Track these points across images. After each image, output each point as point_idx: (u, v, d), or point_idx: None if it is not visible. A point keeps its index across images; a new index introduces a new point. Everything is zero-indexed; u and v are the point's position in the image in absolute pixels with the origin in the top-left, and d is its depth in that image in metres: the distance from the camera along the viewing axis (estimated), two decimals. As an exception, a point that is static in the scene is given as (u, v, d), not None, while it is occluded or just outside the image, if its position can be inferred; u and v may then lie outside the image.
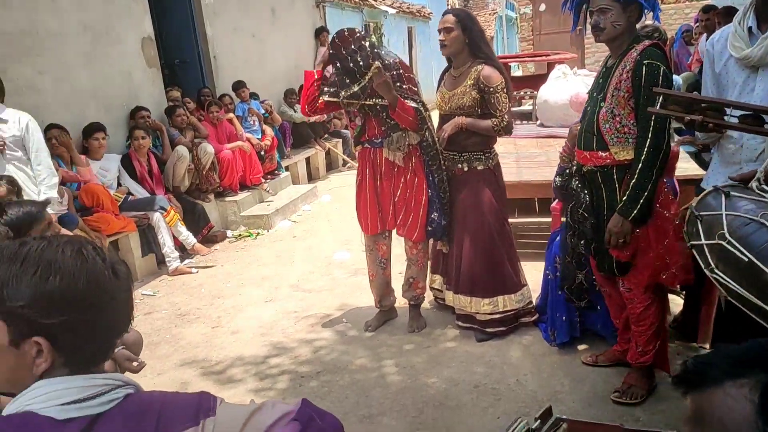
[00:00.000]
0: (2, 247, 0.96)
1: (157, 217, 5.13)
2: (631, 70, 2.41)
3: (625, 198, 2.46)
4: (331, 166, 9.24)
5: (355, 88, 3.23)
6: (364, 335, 3.70)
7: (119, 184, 5.29)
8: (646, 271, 2.57)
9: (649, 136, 2.37)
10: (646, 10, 2.46)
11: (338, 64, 3.27)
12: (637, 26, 2.56)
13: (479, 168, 3.39)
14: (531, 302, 3.55)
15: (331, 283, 4.64)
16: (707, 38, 6.92)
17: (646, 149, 2.38)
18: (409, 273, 3.68)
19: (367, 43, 3.26)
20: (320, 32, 10.13)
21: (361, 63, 3.21)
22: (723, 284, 1.82)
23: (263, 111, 7.55)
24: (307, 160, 8.54)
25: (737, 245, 1.77)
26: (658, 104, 2.16)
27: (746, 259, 1.72)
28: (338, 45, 3.25)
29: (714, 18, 6.19)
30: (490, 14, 22.22)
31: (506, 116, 3.29)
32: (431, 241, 3.66)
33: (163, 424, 0.97)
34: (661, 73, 2.34)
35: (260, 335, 3.84)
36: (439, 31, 3.30)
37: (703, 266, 1.88)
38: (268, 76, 8.47)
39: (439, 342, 3.50)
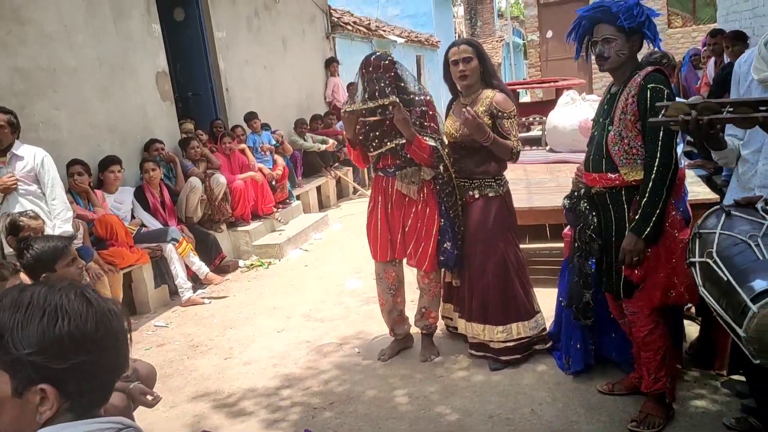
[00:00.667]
0: (1, 295, 0.95)
1: (169, 248, 5.16)
2: (636, 95, 2.47)
3: (637, 217, 2.48)
4: (341, 194, 9.29)
5: (371, 105, 3.23)
6: (376, 364, 3.67)
7: (133, 217, 5.35)
8: (657, 290, 2.56)
9: (658, 155, 2.41)
10: (647, 40, 2.52)
11: (365, 85, 3.31)
12: (646, 53, 2.60)
13: (490, 195, 3.39)
14: (545, 329, 3.53)
15: (343, 311, 4.63)
16: (716, 62, 6.97)
17: (655, 168, 2.41)
18: (422, 303, 3.66)
19: (393, 74, 3.28)
20: (330, 62, 10.29)
21: (384, 87, 3.23)
22: (708, 303, 1.82)
23: (274, 141, 7.63)
24: (318, 188, 8.60)
25: (720, 264, 1.77)
26: (660, 116, 2.17)
27: (725, 279, 1.71)
28: (365, 66, 3.30)
29: (722, 42, 6.22)
30: (497, 41, 22.45)
31: (517, 142, 3.34)
32: (443, 271, 3.65)
33: None
34: (665, 96, 2.40)
35: (272, 366, 3.83)
36: (456, 62, 3.29)
37: (696, 284, 1.89)
38: (279, 106, 8.59)
39: (452, 371, 3.47)
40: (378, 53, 3.38)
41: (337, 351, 3.94)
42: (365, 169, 9.64)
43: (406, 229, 3.47)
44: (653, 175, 2.42)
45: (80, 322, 0.94)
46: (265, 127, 7.75)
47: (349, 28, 11.29)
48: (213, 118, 7.21)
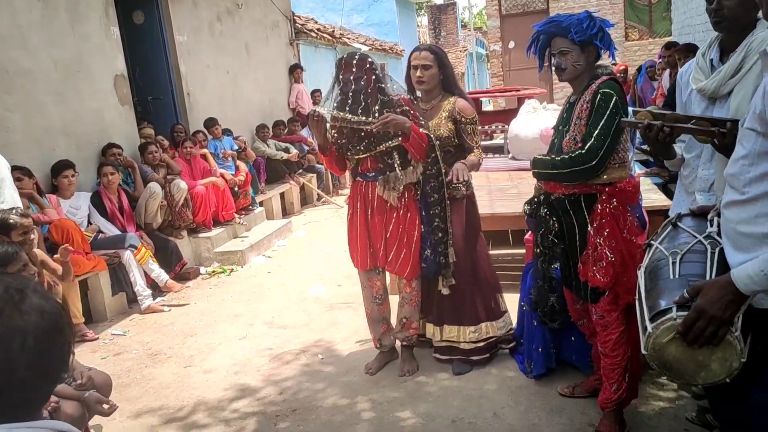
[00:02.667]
0: None
1: (127, 255, 5.04)
2: (590, 100, 2.57)
3: (547, 157, 2.68)
4: (305, 201, 9.24)
5: (348, 117, 3.17)
6: (339, 371, 3.65)
7: (89, 222, 5.21)
8: (627, 294, 2.60)
9: (587, 144, 2.51)
10: (602, 51, 2.61)
11: (340, 88, 3.24)
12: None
13: (457, 197, 3.39)
14: (512, 329, 3.56)
15: (306, 318, 4.59)
16: (670, 73, 7.18)
17: (587, 147, 2.51)
18: (403, 313, 3.54)
19: (373, 77, 3.20)
20: (294, 69, 10.26)
21: (361, 95, 3.16)
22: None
23: (236, 147, 7.55)
24: (282, 195, 8.53)
25: (641, 278, 1.80)
26: (633, 117, 2.23)
27: (642, 292, 1.75)
28: (342, 68, 3.22)
29: (675, 54, 6.41)
30: (461, 51, 22.72)
31: (479, 149, 3.40)
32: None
33: None
34: (613, 101, 2.49)
35: (233, 374, 3.77)
36: (416, 67, 3.30)
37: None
38: (241, 112, 8.51)
39: (416, 376, 3.47)
40: (356, 53, 3.29)
41: (299, 358, 3.89)
42: (329, 176, 9.63)
43: (387, 236, 3.39)
44: (579, 151, 2.52)
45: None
46: (227, 132, 7.66)
47: (313, 35, 11.28)
48: (173, 123, 7.10)
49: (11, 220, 3.41)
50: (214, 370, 3.86)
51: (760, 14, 2.17)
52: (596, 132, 2.53)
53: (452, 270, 3.37)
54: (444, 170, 3.32)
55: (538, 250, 2.93)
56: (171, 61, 7.18)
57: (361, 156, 3.31)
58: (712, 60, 2.27)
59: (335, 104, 3.25)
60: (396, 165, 3.27)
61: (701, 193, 2.31)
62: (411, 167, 3.30)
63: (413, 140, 3.16)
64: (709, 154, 2.25)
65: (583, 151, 2.54)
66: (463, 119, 3.31)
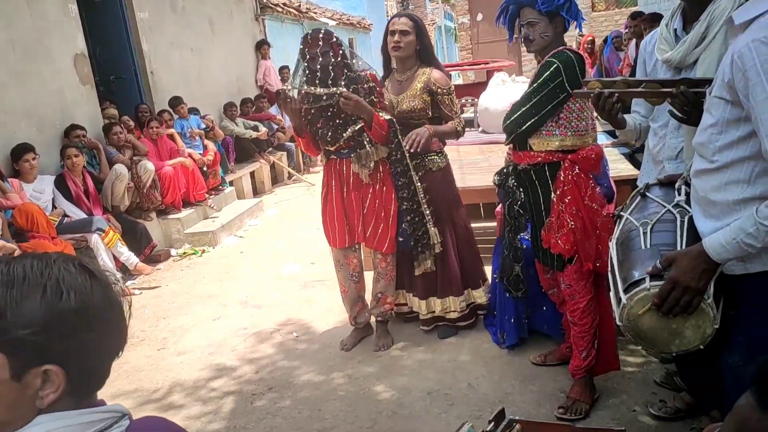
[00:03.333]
0: None
1: (95, 238, 4.95)
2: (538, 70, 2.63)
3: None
4: (276, 179, 9.15)
5: (318, 91, 3.14)
6: (314, 348, 3.66)
7: (54, 207, 5.10)
8: (588, 261, 2.65)
9: (519, 110, 2.62)
10: (569, 22, 2.62)
11: (306, 63, 3.18)
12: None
13: (433, 169, 3.40)
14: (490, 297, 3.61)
15: (280, 297, 4.58)
16: (636, 44, 7.23)
17: (512, 117, 2.65)
18: (378, 287, 3.55)
19: (340, 51, 3.18)
20: (261, 45, 10.08)
21: (330, 68, 3.13)
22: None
23: (204, 126, 7.42)
24: (252, 174, 8.44)
25: (613, 249, 1.82)
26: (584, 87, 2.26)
27: (615, 263, 1.76)
28: (308, 43, 3.16)
29: (641, 24, 6.46)
30: (429, 24, 22.55)
31: (460, 118, 3.37)
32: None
33: None
34: (551, 69, 2.54)
35: (208, 355, 3.75)
36: (393, 32, 3.25)
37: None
38: (208, 90, 8.35)
39: (391, 350, 3.50)
40: (321, 29, 3.25)
41: (274, 337, 3.89)
42: (300, 154, 9.54)
43: (365, 211, 3.39)
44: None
45: (86, 296, 0.86)
46: (194, 111, 7.52)
47: (279, 9, 11.07)
48: (138, 103, 6.93)
49: None
50: (188, 352, 3.84)
51: None
52: (522, 95, 2.66)
53: (432, 252, 3.40)
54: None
55: (505, 220, 2.97)
56: (133, 39, 6.99)
57: (328, 147, 3.31)
58: (675, 30, 2.28)
59: (304, 79, 3.21)
60: (366, 142, 3.27)
61: (669, 161, 2.34)
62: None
63: (374, 129, 3.18)
64: (677, 123, 2.28)
65: (508, 112, 2.70)
66: (439, 90, 3.27)
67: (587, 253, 2.64)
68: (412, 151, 3.23)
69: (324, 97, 3.16)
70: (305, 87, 3.18)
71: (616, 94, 2.07)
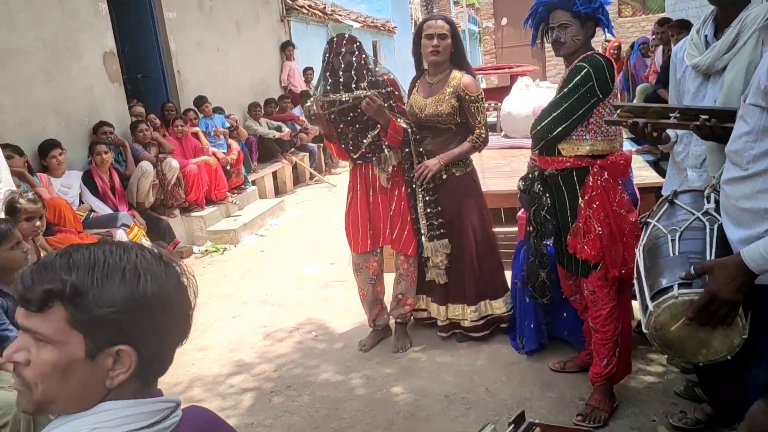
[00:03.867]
0: (68, 254, 0.89)
1: (120, 234, 5.03)
2: (567, 75, 2.62)
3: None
4: (298, 179, 9.21)
5: (343, 97, 3.15)
6: (333, 348, 3.68)
7: (81, 202, 5.19)
8: (614, 267, 2.63)
9: (550, 115, 2.61)
10: (601, 26, 2.60)
11: (330, 64, 3.20)
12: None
13: (457, 174, 3.37)
14: (512, 307, 3.51)
15: (300, 296, 4.61)
16: (663, 50, 7.16)
17: (543, 122, 2.64)
18: (399, 289, 3.55)
19: (363, 55, 3.20)
20: (286, 46, 10.16)
21: (353, 68, 3.15)
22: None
23: (228, 125, 7.50)
24: (274, 174, 8.50)
25: (640, 256, 1.79)
26: (615, 115, 2.24)
27: (642, 270, 1.74)
28: (334, 45, 3.20)
29: (668, 30, 6.38)
30: (453, 28, 22.52)
31: (484, 128, 3.31)
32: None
33: None
34: (582, 74, 2.52)
35: (228, 351, 3.79)
36: (431, 36, 3.20)
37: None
38: (233, 90, 8.44)
39: (409, 352, 3.51)
40: (345, 33, 3.28)
41: (293, 336, 3.92)
42: (322, 155, 9.59)
43: (391, 214, 3.41)
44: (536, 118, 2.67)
45: (162, 282, 0.91)
46: (218, 110, 7.60)
47: (305, 11, 11.14)
48: (164, 101, 7.03)
49: (17, 204, 3.36)
50: (209, 348, 3.88)
51: None
52: (552, 100, 2.64)
53: (432, 264, 3.39)
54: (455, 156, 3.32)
55: (531, 227, 2.95)
56: (161, 38, 7.09)
57: (355, 156, 3.34)
58: (706, 36, 2.26)
59: (328, 88, 3.22)
60: (384, 146, 3.29)
61: (693, 169, 2.33)
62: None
63: (390, 135, 3.20)
64: None
65: (537, 118, 2.67)
66: (467, 96, 3.22)
67: (613, 260, 2.62)
68: (419, 183, 3.27)
69: (348, 101, 3.17)
70: (330, 96, 3.19)
71: (650, 125, 2.07)
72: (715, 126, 1.86)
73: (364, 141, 3.28)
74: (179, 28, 7.31)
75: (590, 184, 2.62)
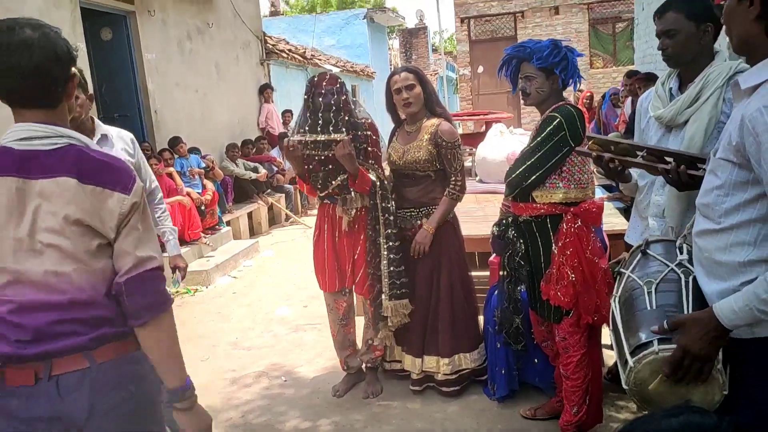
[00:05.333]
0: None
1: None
2: (540, 124, 2.68)
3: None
4: (273, 221, 9.18)
5: (320, 138, 3.12)
6: (302, 393, 3.61)
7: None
8: (587, 314, 2.64)
9: (524, 164, 2.65)
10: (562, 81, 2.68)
11: (312, 103, 3.17)
12: None
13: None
14: (486, 359, 3.43)
15: (271, 340, 4.54)
16: (632, 101, 7.37)
17: (517, 171, 2.68)
18: (369, 334, 3.48)
19: (344, 96, 3.17)
20: (264, 89, 10.27)
21: (333, 107, 3.12)
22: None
23: (204, 165, 7.49)
24: (250, 215, 8.47)
25: (616, 307, 1.78)
26: (586, 147, 2.28)
27: (618, 323, 1.72)
28: (315, 83, 3.17)
29: (635, 83, 6.59)
30: (431, 74, 23.01)
31: (460, 175, 3.28)
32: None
33: (95, 177, 1.46)
34: (554, 124, 2.59)
35: (195, 396, 3.69)
36: (399, 90, 3.21)
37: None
38: (210, 131, 8.47)
39: (380, 398, 3.45)
40: (328, 72, 3.29)
41: (262, 381, 3.84)
42: (298, 196, 9.60)
43: (355, 257, 3.36)
44: (510, 166, 2.73)
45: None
46: (195, 150, 7.60)
47: (284, 55, 11.32)
48: (140, 141, 7.00)
49: None
50: (174, 393, 3.77)
51: (718, 47, 2.27)
52: (526, 149, 2.69)
53: (385, 324, 3.34)
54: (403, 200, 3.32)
55: (505, 272, 2.96)
56: (138, 79, 7.13)
57: (321, 194, 3.33)
58: (671, 89, 2.34)
59: (306, 128, 3.20)
60: (352, 189, 3.26)
61: (654, 218, 2.37)
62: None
63: (358, 183, 3.19)
64: (662, 181, 2.32)
65: (512, 166, 2.72)
66: (444, 143, 3.19)
67: (586, 307, 2.63)
68: (417, 255, 3.26)
69: (323, 144, 3.15)
70: (308, 136, 3.17)
71: (615, 160, 2.11)
72: (683, 173, 1.90)
73: (333, 182, 3.26)
74: (158, 68, 7.36)
75: (564, 230, 2.66)
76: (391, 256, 3.26)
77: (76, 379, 1.45)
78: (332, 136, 3.12)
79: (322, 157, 3.22)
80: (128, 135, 2.93)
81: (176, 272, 3.08)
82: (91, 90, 6.10)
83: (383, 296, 3.29)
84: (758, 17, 1.44)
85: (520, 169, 2.67)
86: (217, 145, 8.45)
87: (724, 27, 1.57)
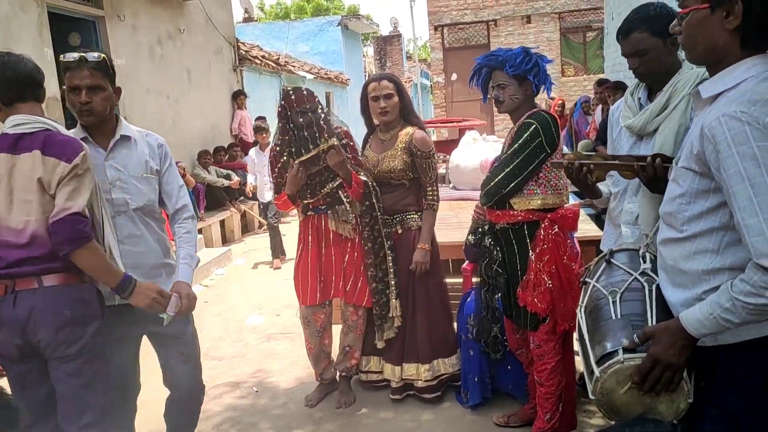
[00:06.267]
0: None
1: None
2: (516, 131, 2.69)
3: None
4: (246, 228, 9.09)
5: (310, 155, 3.09)
6: (274, 404, 3.56)
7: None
8: (564, 320, 2.65)
9: (502, 171, 2.65)
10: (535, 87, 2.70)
11: (289, 120, 3.13)
12: None
13: (413, 228, 3.32)
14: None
15: (243, 349, 4.47)
16: (602, 109, 7.49)
17: (495, 179, 2.68)
18: (347, 341, 3.43)
19: (320, 113, 3.13)
20: (237, 95, 10.19)
21: (314, 125, 3.09)
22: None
23: (176, 173, 7.38)
24: (222, 222, 8.37)
25: (582, 317, 1.78)
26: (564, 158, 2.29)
27: (584, 333, 1.72)
28: (292, 100, 3.13)
29: (605, 91, 6.69)
30: (406, 82, 23.10)
31: (435, 184, 3.29)
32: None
33: (52, 151, 2.05)
34: (530, 130, 2.61)
35: (163, 408, 3.61)
36: (377, 98, 3.20)
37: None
38: (182, 138, 8.36)
39: (353, 408, 3.42)
40: (302, 87, 3.23)
41: (233, 391, 3.78)
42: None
43: (344, 265, 3.32)
44: (488, 175, 2.73)
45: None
46: (166, 158, 7.49)
47: (258, 61, 11.25)
48: (109, 148, 6.88)
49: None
50: (142, 405, 3.67)
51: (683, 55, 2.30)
52: (504, 157, 2.69)
53: (392, 325, 3.33)
54: (387, 207, 3.29)
55: (482, 279, 2.95)
56: (108, 84, 7.00)
57: (307, 200, 3.28)
58: (640, 98, 2.37)
59: (292, 149, 3.16)
60: (343, 198, 3.23)
61: (627, 225, 2.39)
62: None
63: (354, 188, 3.17)
64: (635, 188, 2.34)
65: (489, 174, 2.70)
66: (419, 152, 3.19)
67: (563, 313, 2.64)
68: (420, 273, 3.25)
69: (311, 159, 3.12)
70: (303, 155, 3.12)
71: (586, 166, 2.10)
72: (658, 165, 1.91)
73: (323, 190, 3.22)
74: (128, 74, 7.24)
75: (541, 237, 2.66)
76: (393, 254, 3.29)
77: (27, 294, 2.06)
78: (320, 147, 3.09)
79: (313, 171, 3.19)
80: (157, 141, 2.57)
81: (174, 296, 2.36)
82: (58, 95, 6.00)
83: (391, 295, 3.28)
84: (736, 28, 1.45)
85: (498, 178, 2.67)
86: (188, 152, 8.35)
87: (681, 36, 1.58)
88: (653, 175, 1.93)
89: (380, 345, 3.38)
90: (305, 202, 3.30)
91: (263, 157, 6.76)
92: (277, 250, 7.03)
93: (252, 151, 7.41)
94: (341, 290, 3.36)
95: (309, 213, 3.34)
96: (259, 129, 7.46)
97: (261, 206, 7.70)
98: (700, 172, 1.48)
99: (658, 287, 1.66)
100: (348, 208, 3.24)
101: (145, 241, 2.48)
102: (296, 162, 3.13)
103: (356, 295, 3.35)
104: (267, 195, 6.78)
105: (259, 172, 7.14)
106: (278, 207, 3.50)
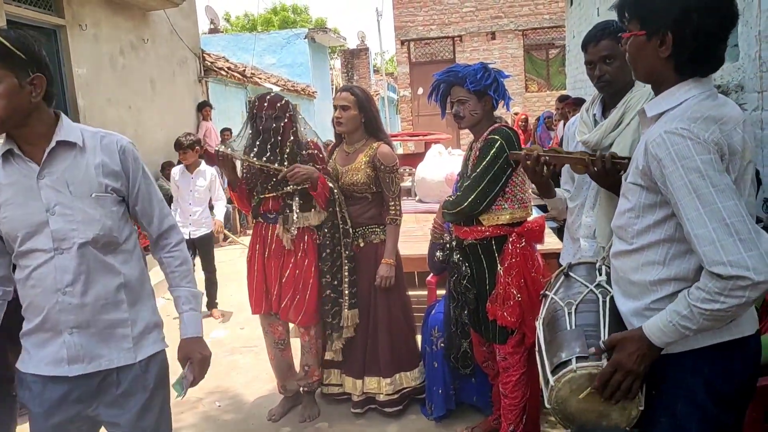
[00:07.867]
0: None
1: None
2: (480, 147, 2.72)
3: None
4: (211, 241, 8.96)
5: (257, 162, 3.10)
6: (238, 418, 3.51)
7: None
8: (532, 333, 2.67)
9: (474, 191, 2.65)
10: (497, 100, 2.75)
11: (254, 123, 3.14)
12: None
13: (375, 242, 3.32)
14: (425, 378, 3.42)
15: (205, 364, 4.39)
16: (564, 124, 7.65)
17: (458, 193, 2.71)
18: (305, 360, 3.41)
19: (284, 121, 3.14)
20: (203, 106, 10.09)
21: (275, 132, 3.10)
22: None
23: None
24: (186, 234, 8.24)
25: (540, 329, 1.82)
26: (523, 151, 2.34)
27: (542, 344, 1.75)
28: (259, 105, 3.13)
29: (566, 107, 6.85)
30: (373, 95, 23.17)
31: (398, 199, 3.31)
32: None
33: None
34: (496, 146, 2.64)
35: None
36: (335, 107, 3.25)
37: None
38: (145, 149, 8.21)
39: (316, 421, 3.39)
40: (272, 93, 3.24)
41: (196, 406, 3.71)
42: (237, 216, 9.43)
43: (282, 280, 3.26)
44: (458, 194, 2.74)
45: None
46: (128, 169, 7.36)
47: (223, 73, 11.17)
48: (69, 158, 6.74)
49: None
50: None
51: None
52: (473, 175, 2.69)
53: (341, 336, 3.30)
54: (354, 219, 3.29)
55: (451, 295, 2.96)
56: (68, 94, 6.88)
57: (267, 195, 3.24)
58: (595, 114, 2.43)
59: (245, 144, 3.17)
60: (294, 206, 3.20)
61: (586, 239, 2.44)
62: (313, 210, 3.24)
63: (319, 191, 3.14)
64: (592, 202, 2.39)
65: (460, 194, 2.71)
66: (382, 167, 3.20)
67: (532, 326, 2.66)
68: (384, 286, 3.25)
69: (261, 167, 3.12)
70: (243, 155, 3.13)
71: (543, 158, 2.17)
72: (608, 159, 1.97)
73: (285, 188, 3.18)
74: (89, 84, 7.12)
75: (509, 251, 2.69)
76: (351, 265, 3.27)
77: None
78: (274, 167, 3.09)
79: (270, 173, 3.17)
80: (118, 143, 2.00)
81: (187, 366, 1.96)
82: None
83: (344, 306, 3.26)
84: (669, 57, 1.53)
85: (471, 198, 2.66)
86: (151, 163, 8.21)
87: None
88: (602, 167, 1.99)
89: (329, 356, 3.36)
90: (261, 197, 3.25)
91: (189, 181, 5.59)
92: (212, 300, 5.76)
93: (176, 171, 5.81)
94: (276, 305, 3.29)
95: (258, 220, 3.32)
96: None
97: (189, 247, 6.39)
98: (647, 187, 1.54)
99: (612, 299, 1.72)
100: (297, 218, 3.20)
101: (95, 289, 1.77)
102: (251, 159, 3.12)
103: (291, 312, 3.26)
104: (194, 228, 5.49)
105: (182, 199, 5.58)
106: (237, 205, 3.46)
